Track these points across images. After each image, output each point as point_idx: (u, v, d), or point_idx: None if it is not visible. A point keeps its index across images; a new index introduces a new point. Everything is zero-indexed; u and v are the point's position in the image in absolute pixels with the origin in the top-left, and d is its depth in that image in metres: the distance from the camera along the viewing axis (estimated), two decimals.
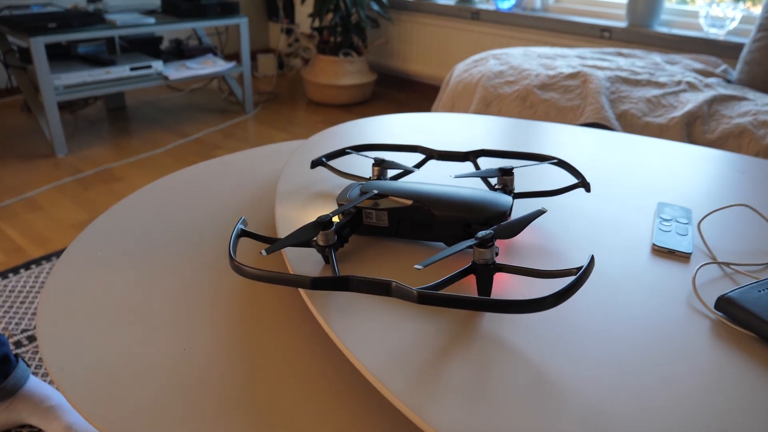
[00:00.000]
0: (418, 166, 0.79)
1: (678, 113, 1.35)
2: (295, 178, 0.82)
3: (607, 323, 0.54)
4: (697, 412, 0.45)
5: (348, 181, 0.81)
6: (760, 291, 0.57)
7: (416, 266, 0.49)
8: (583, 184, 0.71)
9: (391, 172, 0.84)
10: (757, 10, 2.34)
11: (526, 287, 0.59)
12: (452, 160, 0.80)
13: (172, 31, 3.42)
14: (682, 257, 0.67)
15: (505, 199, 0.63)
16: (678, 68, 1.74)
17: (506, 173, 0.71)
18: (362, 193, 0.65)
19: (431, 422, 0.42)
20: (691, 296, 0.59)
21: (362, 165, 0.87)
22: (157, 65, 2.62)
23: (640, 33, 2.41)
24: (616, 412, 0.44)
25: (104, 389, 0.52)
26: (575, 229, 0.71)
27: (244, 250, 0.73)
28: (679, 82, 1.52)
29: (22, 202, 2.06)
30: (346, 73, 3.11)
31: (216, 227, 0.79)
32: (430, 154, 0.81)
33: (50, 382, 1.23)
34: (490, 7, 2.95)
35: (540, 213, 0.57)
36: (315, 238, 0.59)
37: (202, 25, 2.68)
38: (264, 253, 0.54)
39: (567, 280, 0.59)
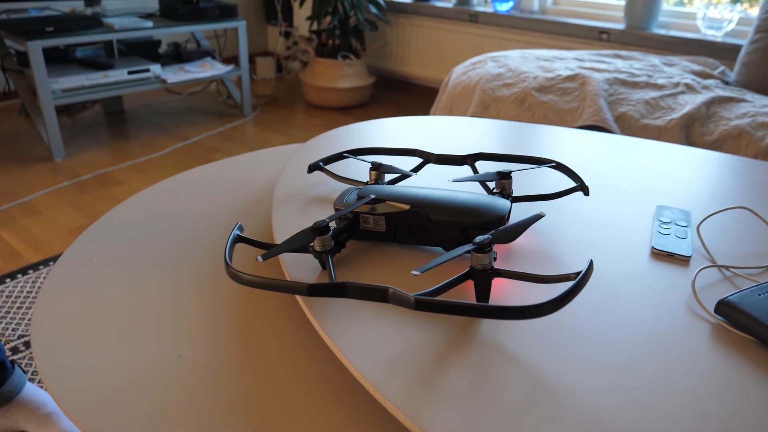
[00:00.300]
0: (416, 170, 0.79)
1: (676, 115, 1.35)
2: (293, 182, 0.82)
3: (606, 328, 0.54)
4: (698, 418, 0.44)
5: (345, 186, 0.81)
6: (760, 294, 0.56)
7: (413, 272, 0.49)
8: (582, 187, 0.70)
9: (388, 177, 0.83)
10: (754, 12, 2.34)
11: (525, 292, 0.58)
12: (450, 163, 0.79)
13: (170, 34, 3.42)
14: (682, 260, 0.66)
15: (503, 203, 0.63)
16: (676, 70, 1.74)
17: (504, 177, 0.70)
18: (359, 197, 0.65)
19: (429, 431, 0.42)
20: (691, 300, 0.59)
21: (360, 169, 0.87)
22: (156, 69, 2.62)
23: (637, 35, 2.41)
24: (617, 420, 0.44)
25: (99, 397, 0.51)
26: (573, 232, 0.71)
27: (240, 255, 0.73)
28: (677, 84, 1.52)
29: (20, 206, 2.06)
30: (344, 76, 3.11)
31: (213, 232, 0.79)
32: (428, 158, 0.80)
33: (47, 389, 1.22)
34: (488, 9, 2.95)
35: (538, 217, 0.57)
36: (312, 244, 0.58)
37: (201, 29, 2.68)
38: (260, 259, 0.53)
39: (566, 285, 0.59)
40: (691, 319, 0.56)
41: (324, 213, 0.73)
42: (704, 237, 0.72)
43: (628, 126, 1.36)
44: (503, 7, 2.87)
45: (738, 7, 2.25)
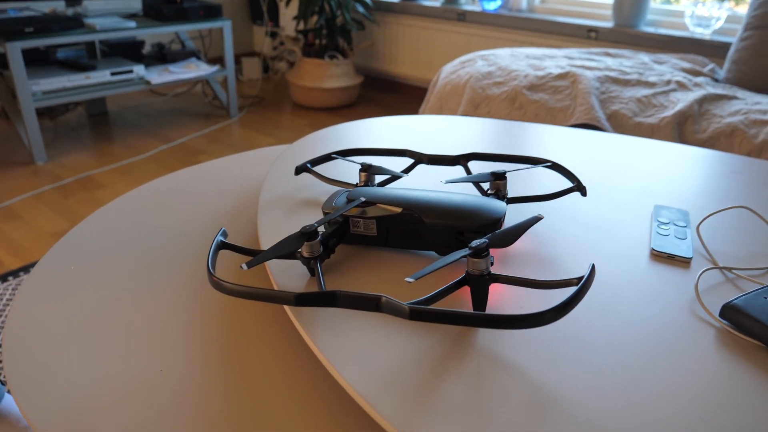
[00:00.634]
0: (407, 170, 0.76)
1: (669, 113, 1.33)
2: (279, 185, 0.79)
3: (607, 333, 0.52)
4: (704, 425, 0.42)
5: (334, 188, 0.78)
6: (766, 297, 0.54)
7: (407, 279, 0.46)
8: (579, 187, 0.68)
9: (378, 178, 0.81)
10: (742, 10, 2.34)
11: (523, 298, 0.56)
12: (442, 164, 0.77)
13: (154, 34, 3.37)
14: (682, 262, 0.64)
15: (499, 205, 0.61)
16: (666, 68, 1.73)
17: (499, 177, 0.68)
18: (349, 200, 0.62)
19: None
20: (694, 303, 0.57)
21: (349, 170, 0.84)
22: (139, 70, 2.57)
23: (626, 33, 2.40)
24: (622, 429, 0.41)
25: (72, 415, 0.48)
26: (570, 234, 0.68)
27: (224, 262, 0.70)
28: (668, 82, 1.51)
29: (0, 211, 2.01)
30: (331, 76, 3.07)
31: (197, 238, 0.76)
32: (419, 159, 0.78)
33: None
34: (476, 8, 2.93)
35: (536, 220, 0.54)
36: (299, 250, 0.55)
37: (185, 29, 2.64)
38: (244, 267, 0.50)
39: (566, 291, 0.57)
40: (695, 323, 0.54)
41: (312, 217, 0.70)
42: (704, 238, 0.70)
43: (621, 124, 1.35)
44: (491, 6, 2.85)
45: (725, 4, 2.25)
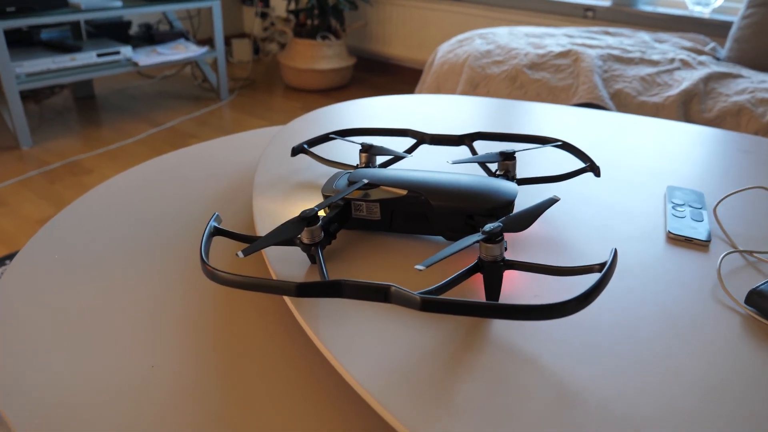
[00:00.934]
0: (409, 151, 0.72)
1: (674, 92, 1.30)
2: (274, 167, 0.75)
3: (629, 323, 0.48)
4: (733, 416, 0.39)
5: (333, 170, 0.74)
6: None
7: (417, 266, 0.43)
8: (592, 167, 0.65)
9: (380, 159, 0.77)
10: None
11: (538, 286, 0.52)
12: (446, 144, 0.73)
13: (140, 14, 3.29)
14: (701, 245, 0.61)
15: (511, 186, 0.57)
16: (668, 46, 1.69)
17: (508, 158, 0.64)
18: (350, 182, 0.58)
19: None
20: (717, 289, 0.54)
21: (348, 151, 0.80)
22: (126, 51, 2.50)
23: (624, 12, 2.36)
24: (651, 423, 0.38)
25: (57, 416, 0.45)
26: (582, 217, 0.65)
27: (218, 250, 0.66)
28: (672, 60, 1.47)
29: None
30: (324, 57, 3.01)
31: (188, 224, 0.72)
32: (422, 139, 0.74)
33: None
34: None
35: (553, 201, 0.51)
36: (299, 236, 0.52)
37: (173, 8, 2.56)
38: (240, 254, 0.47)
39: (585, 278, 0.53)
40: (719, 310, 0.51)
41: (310, 200, 0.66)
42: (721, 220, 0.67)
43: (625, 103, 1.31)
44: None
45: None
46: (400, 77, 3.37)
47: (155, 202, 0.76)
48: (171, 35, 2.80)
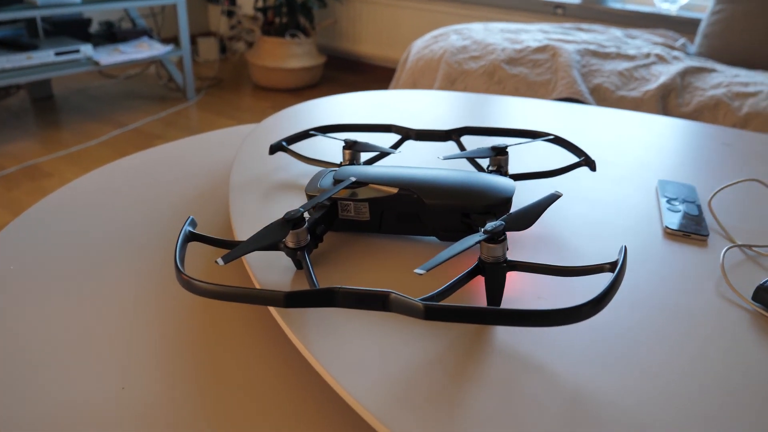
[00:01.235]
0: (395, 147, 0.69)
1: (652, 86, 1.29)
2: (251, 166, 0.70)
3: (636, 323, 0.46)
4: (748, 417, 0.37)
5: (314, 169, 0.70)
6: None
7: (417, 270, 0.39)
8: (588, 162, 0.62)
9: (364, 156, 0.73)
10: None
11: (541, 287, 0.49)
12: (432, 139, 0.70)
13: (101, 12, 3.18)
14: (699, 240, 0.59)
15: (507, 183, 0.54)
16: (640, 42, 1.69)
17: (500, 152, 0.61)
18: (336, 181, 0.54)
19: None
20: (721, 285, 0.52)
21: (329, 149, 0.76)
22: (87, 49, 2.40)
23: (593, 9, 2.37)
24: (671, 429, 0.35)
25: None
26: (575, 213, 0.62)
27: (194, 256, 0.61)
28: (647, 55, 1.47)
29: None
30: (293, 56, 2.96)
31: (159, 229, 0.67)
32: (407, 134, 0.70)
33: None
34: None
35: (555, 197, 0.48)
36: (284, 240, 0.47)
37: (135, 5, 2.48)
38: (220, 262, 0.42)
39: (590, 278, 0.51)
40: (727, 307, 0.49)
41: (291, 201, 0.62)
42: (716, 213, 0.65)
43: (604, 98, 1.30)
44: None
45: None
46: (372, 76, 3.34)
47: (122, 207, 0.71)
48: (134, 33, 2.71)
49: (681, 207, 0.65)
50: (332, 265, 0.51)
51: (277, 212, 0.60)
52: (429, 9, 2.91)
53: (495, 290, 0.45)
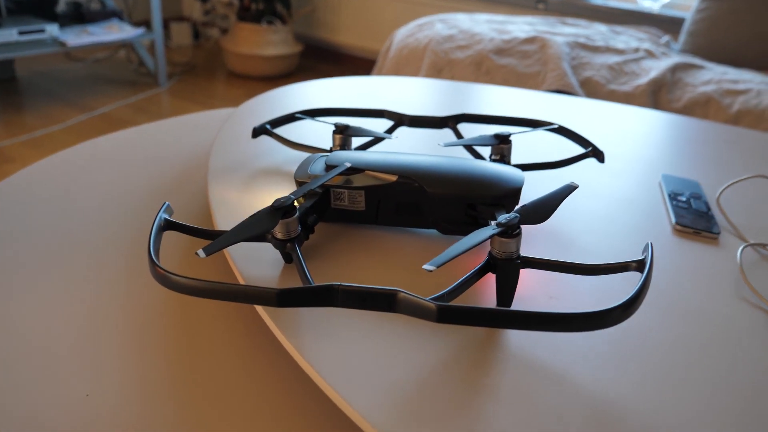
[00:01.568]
0: (389, 132, 0.64)
1: (643, 81, 1.27)
2: (232, 151, 0.65)
3: (657, 327, 0.42)
4: None
5: (300, 155, 0.65)
6: None
7: (426, 267, 0.35)
8: (596, 153, 0.58)
9: (356, 142, 0.68)
10: None
11: (548, 286, 0.45)
12: (427, 126, 0.65)
13: None
14: (710, 238, 0.56)
15: (515, 172, 0.50)
16: (626, 38, 1.67)
17: (503, 141, 0.57)
18: (329, 167, 0.49)
19: None
20: (739, 286, 0.49)
21: (316, 133, 0.71)
22: (52, 29, 2.29)
23: (575, 5, 2.35)
24: None
25: None
26: (581, 208, 0.59)
27: (170, 247, 0.56)
28: (636, 50, 1.45)
29: None
30: (269, 43, 2.88)
31: (129, 217, 0.61)
32: (400, 120, 0.66)
33: None
34: None
35: (571, 189, 0.44)
36: (272, 230, 0.42)
37: None
38: (201, 254, 0.37)
39: (605, 278, 0.47)
40: (748, 310, 0.46)
41: (276, 188, 0.57)
42: (725, 210, 0.62)
43: (594, 92, 1.28)
44: None
45: None
46: (350, 66, 3.27)
47: (88, 192, 0.65)
48: (103, 14, 2.60)
49: (689, 203, 0.62)
50: (323, 259, 0.46)
51: (260, 200, 0.55)
52: (408, 0, 2.86)
53: (507, 289, 0.41)
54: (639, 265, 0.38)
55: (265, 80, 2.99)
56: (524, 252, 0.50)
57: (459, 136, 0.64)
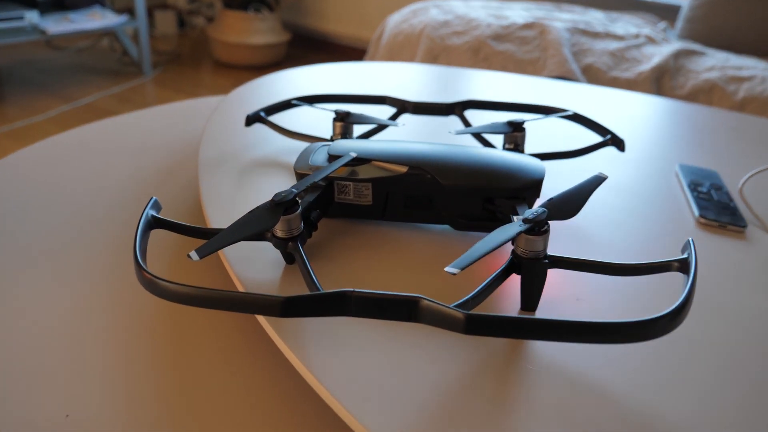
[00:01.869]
0: (392, 119, 0.60)
1: (645, 67, 1.24)
2: (223, 140, 0.60)
3: (691, 328, 0.38)
4: None
5: (296, 144, 0.61)
6: None
7: (449, 269, 0.31)
8: (615, 141, 0.54)
9: (357, 130, 0.64)
10: None
11: (576, 286, 0.41)
12: (432, 113, 0.61)
13: None
14: (736, 232, 0.53)
15: (535, 162, 0.46)
16: (623, 24, 1.64)
17: (517, 128, 0.53)
18: (332, 157, 0.45)
19: None
20: None
21: (313, 121, 0.67)
22: (32, 16, 2.21)
23: None
24: None
25: None
26: (595, 199, 0.55)
27: (158, 246, 0.51)
28: (637, 35, 1.41)
29: None
30: (256, 31, 2.81)
31: (113, 213, 0.56)
32: (403, 107, 0.61)
33: None
34: None
35: (600, 180, 0.40)
36: (272, 228, 0.38)
37: None
38: (194, 256, 0.33)
39: (652, 279, 0.43)
40: None
41: (272, 181, 0.53)
42: (749, 202, 0.59)
43: (596, 78, 1.24)
44: None
45: None
46: (340, 55, 3.22)
47: (68, 185, 0.60)
48: (85, 1, 2.52)
49: (710, 194, 0.59)
50: (326, 258, 0.42)
51: (256, 193, 0.50)
52: None
53: (533, 291, 0.37)
54: (682, 266, 0.34)
55: (253, 70, 2.92)
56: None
57: (466, 123, 0.60)
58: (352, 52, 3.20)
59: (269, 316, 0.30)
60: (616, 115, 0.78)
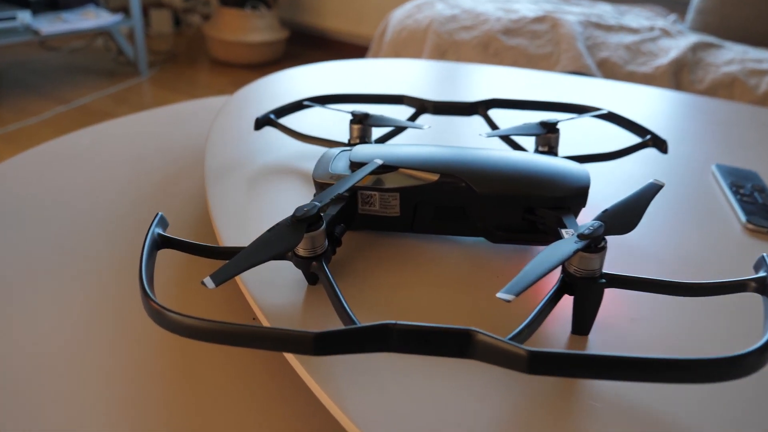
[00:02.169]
0: (411, 120, 0.56)
1: (663, 61, 1.20)
2: (231, 145, 0.56)
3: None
4: None
5: (310, 148, 0.57)
6: None
7: (501, 295, 0.27)
8: (656, 142, 0.51)
9: (375, 133, 0.60)
10: None
11: (629, 305, 0.38)
12: (454, 113, 0.57)
13: None
14: None
15: (579, 168, 0.42)
16: (633, 17, 1.60)
17: (551, 129, 0.49)
18: (355, 165, 0.41)
19: None
20: None
21: (325, 124, 0.63)
22: (25, 16, 2.16)
23: None
24: None
25: None
26: None
27: (167, 267, 0.47)
28: (651, 28, 1.37)
29: None
30: (254, 29, 2.76)
31: (116, 224, 0.52)
32: (422, 107, 0.57)
33: None
34: None
35: (657, 188, 0.36)
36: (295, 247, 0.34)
37: None
38: (210, 284, 0.29)
39: (725, 300, 0.39)
40: None
41: (289, 190, 0.49)
42: None
43: (612, 73, 1.20)
44: None
45: None
46: (339, 53, 3.17)
47: (67, 193, 0.56)
48: (78, 0, 2.47)
49: (752, 197, 0.55)
50: (351, 276, 0.38)
51: (271, 205, 0.46)
52: None
53: (587, 313, 0.33)
54: (759, 286, 0.30)
55: (251, 68, 2.88)
56: None
57: (491, 123, 0.56)
58: (350, 48, 3.16)
59: (299, 354, 0.26)
60: (639, 112, 0.74)
